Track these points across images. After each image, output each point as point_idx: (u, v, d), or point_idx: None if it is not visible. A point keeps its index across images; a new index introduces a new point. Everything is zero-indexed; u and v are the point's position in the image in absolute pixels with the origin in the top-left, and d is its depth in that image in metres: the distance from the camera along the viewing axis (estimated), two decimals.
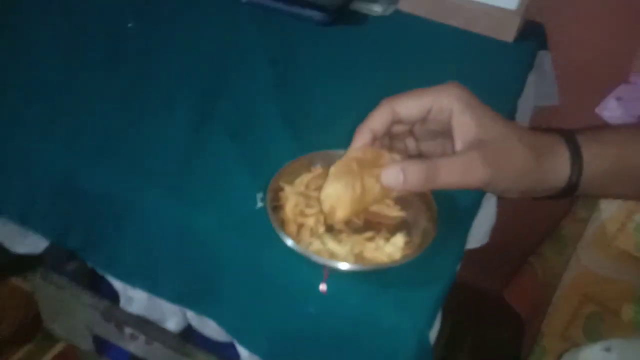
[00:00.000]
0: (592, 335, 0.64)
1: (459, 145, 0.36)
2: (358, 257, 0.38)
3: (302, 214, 0.40)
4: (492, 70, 0.71)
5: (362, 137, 0.38)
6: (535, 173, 0.37)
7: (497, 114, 0.37)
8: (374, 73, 0.66)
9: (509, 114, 0.68)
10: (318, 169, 0.43)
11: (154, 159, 0.49)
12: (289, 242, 0.37)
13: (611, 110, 0.91)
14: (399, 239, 0.39)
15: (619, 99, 0.90)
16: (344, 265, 0.36)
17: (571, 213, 0.89)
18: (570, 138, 0.39)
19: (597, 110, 0.91)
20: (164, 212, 0.45)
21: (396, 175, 0.35)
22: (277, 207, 0.41)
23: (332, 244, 0.38)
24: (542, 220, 0.98)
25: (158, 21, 0.71)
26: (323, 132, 0.53)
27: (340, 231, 0.40)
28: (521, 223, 1.08)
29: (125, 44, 0.65)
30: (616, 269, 0.65)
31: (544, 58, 0.85)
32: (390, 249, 0.38)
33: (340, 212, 0.37)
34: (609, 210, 0.81)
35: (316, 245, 0.38)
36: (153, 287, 0.51)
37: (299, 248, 0.37)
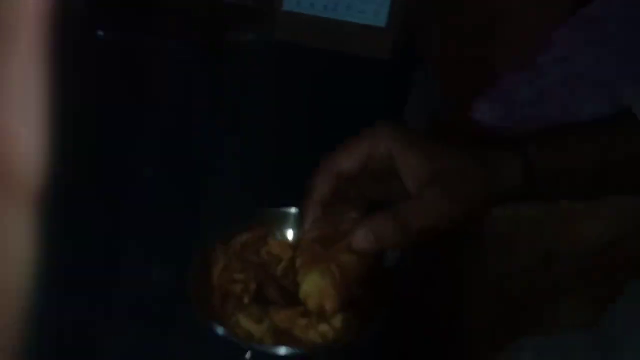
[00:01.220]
0: None
1: (410, 185, 0.35)
2: (283, 335, 0.34)
3: (230, 280, 0.36)
4: (373, 89, 0.72)
5: (312, 213, 0.36)
6: (496, 190, 0.38)
7: (436, 142, 0.38)
8: (258, 105, 0.64)
9: None
10: (260, 229, 0.39)
11: None
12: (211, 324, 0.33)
13: (484, 113, 0.97)
14: (337, 319, 0.34)
15: (491, 101, 0.96)
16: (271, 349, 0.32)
17: None
18: (517, 148, 0.40)
19: (473, 115, 0.96)
20: None
21: (365, 237, 0.33)
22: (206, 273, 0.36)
23: (247, 323, 0.34)
24: None
25: None
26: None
27: (273, 303, 0.36)
28: None
29: None
30: None
31: (422, 72, 0.88)
32: (325, 328, 0.34)
33: (329, 304, 0.33)
34: None
35: (232, 321, 0.34)
36: None
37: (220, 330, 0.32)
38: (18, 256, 0.11)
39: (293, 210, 0.38)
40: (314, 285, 0.32)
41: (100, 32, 0.72)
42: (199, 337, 0.35)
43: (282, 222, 0.40)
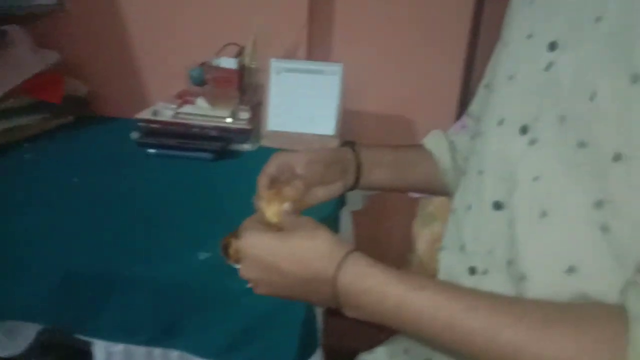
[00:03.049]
0: None
1: (299, 168, 0.68)
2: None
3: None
4: None
5: (261, 190, 0.64)
6: (344, 167, 0.71)
7: (304, 150, 0.70)
8: (247, 191, 1.01)
9: (334, 221, 1.00)
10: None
11: (125, 247, 0.77)
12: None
13: None
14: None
15: None
16: None
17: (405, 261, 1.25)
18: (348, 144, 0.75)
19: None
20: (139, 276, 0.72)
21: (290, 190, 0.62)
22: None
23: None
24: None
25: (98, 176, 1.03)
26: (223, 222, 0.79)
27: None
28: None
29: (92, 195, 0.95)
30: None
31: None
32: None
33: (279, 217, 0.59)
34: (421, 247, 1.19)
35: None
36: (131, 338, 0.74)
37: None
38: None
39: None
40: (276, 209, 0.59)
41: (152, 150, 1.14)
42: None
43: None
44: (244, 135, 1.20)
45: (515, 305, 0.44)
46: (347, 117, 1.23)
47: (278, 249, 0.51)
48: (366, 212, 1.23)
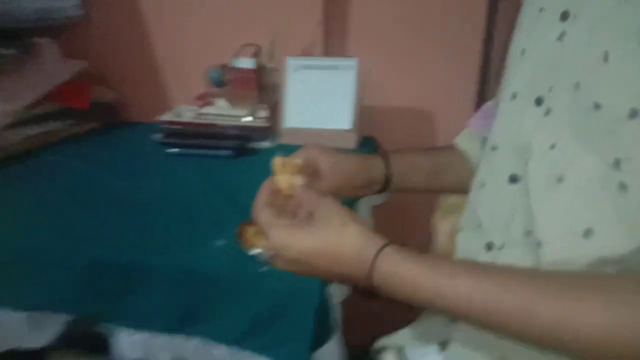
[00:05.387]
0: None
1: (324, 169, 0.68)
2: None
3: (252, 235, 0.64)
4: None
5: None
6: (372, 174, 0.71)
7: (334, 150, 0.70)
8: None
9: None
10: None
11: (146, 239, 0.80)
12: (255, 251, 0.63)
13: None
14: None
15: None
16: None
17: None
18: (381, 152, 0.74)
19: None
20: (158, 264, 0.75)
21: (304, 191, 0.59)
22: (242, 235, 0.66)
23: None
24: None
25: (121, 175, 1.06)
26: (241, 212, 0.80)
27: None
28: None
29: (116, 192, 0.98)
30: None
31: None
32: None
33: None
34: (441, 239, 1.18)
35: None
36: (153, 325, 0.76)
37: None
38: None
39: None
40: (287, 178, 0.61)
41: (174, 150, 1.17)
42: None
43: None
44: (263, 133, 1.22)
45: (550, 280, 0.43)
46: (366, 113, 1.24)
47: (313, 249, 0.51)
48: (387, 204, 1.23)
